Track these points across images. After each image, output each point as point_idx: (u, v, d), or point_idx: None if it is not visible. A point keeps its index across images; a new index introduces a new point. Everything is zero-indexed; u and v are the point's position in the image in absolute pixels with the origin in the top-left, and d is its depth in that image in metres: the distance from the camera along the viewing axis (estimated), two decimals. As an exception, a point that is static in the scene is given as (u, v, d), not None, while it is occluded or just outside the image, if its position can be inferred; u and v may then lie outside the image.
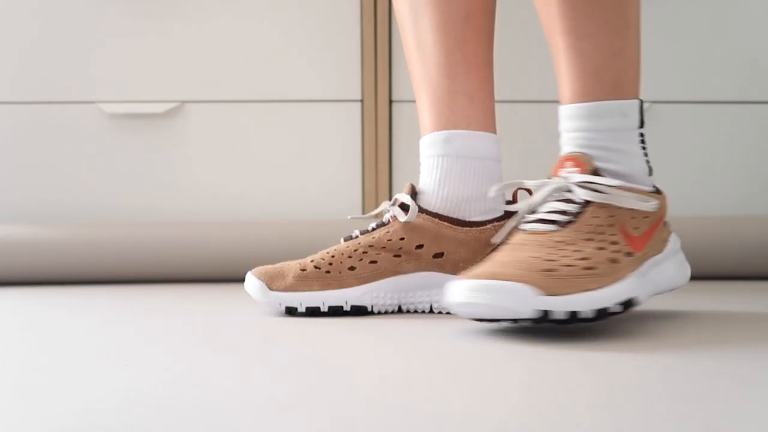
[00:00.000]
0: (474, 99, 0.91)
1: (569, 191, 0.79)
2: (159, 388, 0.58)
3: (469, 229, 0.89)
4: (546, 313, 0.70)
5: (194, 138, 1.33)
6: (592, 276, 0.72)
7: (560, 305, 0.70)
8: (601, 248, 0.75)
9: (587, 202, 0.78)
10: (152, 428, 0.49)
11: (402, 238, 0.88)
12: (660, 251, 0.83)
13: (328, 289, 0.87)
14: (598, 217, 0.77)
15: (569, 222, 0.77)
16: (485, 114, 0.92)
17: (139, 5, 1.32)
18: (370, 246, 0.88)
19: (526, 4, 1.34)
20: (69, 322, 0.88)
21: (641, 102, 0.83)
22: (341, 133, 1.34)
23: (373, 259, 0.88)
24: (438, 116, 0.91)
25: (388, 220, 0.90)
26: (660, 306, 0.93)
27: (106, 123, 1.33)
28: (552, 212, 0.78)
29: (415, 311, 0.89)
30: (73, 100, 1.32)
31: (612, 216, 0.78)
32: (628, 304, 0.75)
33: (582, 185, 0.78)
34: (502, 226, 0.88)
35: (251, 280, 0.88)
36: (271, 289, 0.87)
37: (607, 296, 0.73)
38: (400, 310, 0.89)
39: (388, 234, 0.88)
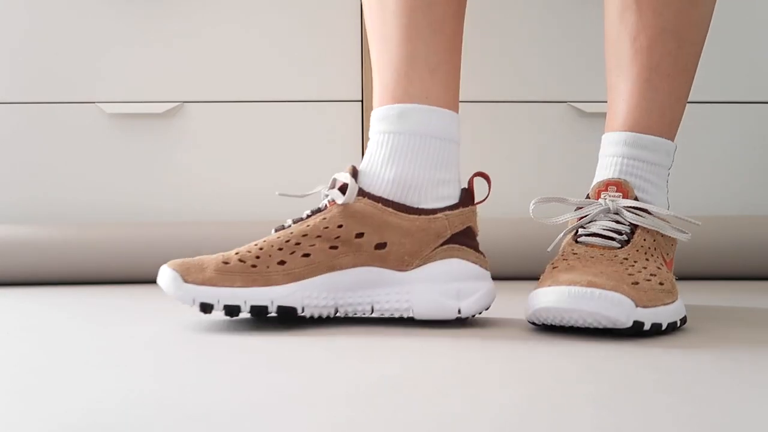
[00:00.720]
0: (435, 71, 0.82)
1: (617, 213, 0.83)
2: (159, 388, 0.58)
3: (416, 217, 0.80)
4: (639, 323, 0.73)
5: (194, 138, 1.33)
6: (664, 291, 0.77)
7: (650, 317, 0.74)
8: (659, 267, 0.80)
9: (634, 226, 0.82)
10: (152, 428, 0.49)
11: (340, 226, 0.78)
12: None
13: (253, 285, 0.76)
14: (645, 240, 0.82)
15: (626, 241, 0.81)
16: (447, 89, 0.83)
17: (140, 5, 1.32)
18: (303, 236, 0.78)
19: (515, 6, 1.34)
20: (69, 322, 0.88)
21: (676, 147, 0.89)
22: (341, 133, 1.34)
23: (306, 252, 0.77)
24: (394, 86, 0.82)
25: (325, 206, 0.80)
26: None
27: (106, 123, 1.33)
28: (607, 230, 0.82)
29: (354, 314, 0.80)
30: (73, 100, 1.32)
31: (654, 240, 0.82)
32: (684, 320, 0.79)
33: (629, 210, 0.82)
34: (455, 215, 0.81)
35: (166, 272, 0.77)
36: (185, 281, 0.75)
37: (676, 311, 0.78)
38: (336, 314, 0.80)
39: (325, 221, 0.78)
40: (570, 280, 0.74)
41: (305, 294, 0.77)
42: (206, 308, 0.76)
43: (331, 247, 0.78)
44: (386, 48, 0.83)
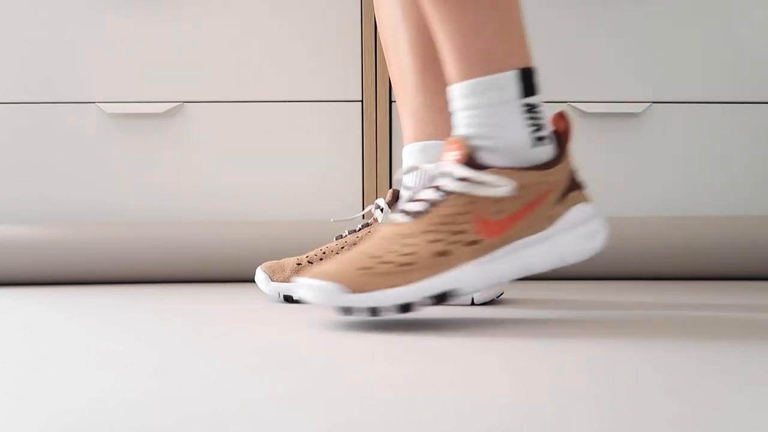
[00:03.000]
0: (443, 112, 0.97)
1: (433, 180, 0.83)
2: (159, 388, 0.58)
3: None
4: (350, 309, 0.78)
5: (194, 138, 1.33)
6: (405, 272, 0.78)
7: (361, 302, 0.77)
8: (435, 240, 0.79)
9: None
10: (152, 428, 0.49)
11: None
12: (542, 229, 0.83)
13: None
14: (454, 206, 0.80)
15: (425, 212, 0.80)
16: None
17: (140, 6, 1.32)
18: (354, 244, 0.98)
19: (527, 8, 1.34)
20: (69, 322, 0.88)
21: (521, 71, 0.81)
22: (341, 133, 1.34)
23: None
24: (413, 128, 0.99)
25: (371, 222, 1.01)
26: (660, 306, 0.93)
27: (106, 123, 1.33)
28: (417, 201, 0.82)
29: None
30: (73, 100, 1.32)
31: (470, 203, 0.80)
32: (442, 296, 0.79)
33: (446, 174, 0.81)
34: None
35: (259, 273, 1.02)
36: (272, 280, 1.00)
37: (414, 291, 0.78)
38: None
39: (370, 234, 0.96)
40: (310, 272, 0.80)
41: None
42: (288, 299, 1.00)
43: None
44: (405, 99, 1.01)
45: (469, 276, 0.79)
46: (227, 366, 0.66)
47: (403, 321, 0.85)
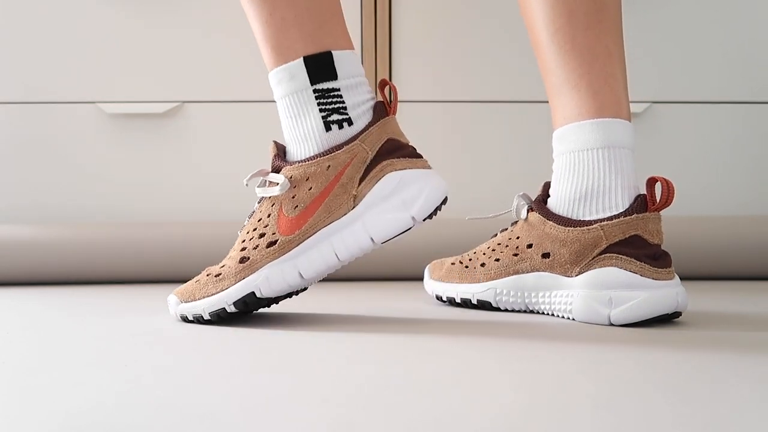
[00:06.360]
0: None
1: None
2: (159, 388, 0.58)
3: (572, 228, 0.85)
4: (185, 317, 0.82)
5: (194, 138, 1.33)
6: (217, 281, 0.81)
7: (188, 311, 0.82)
8: (242, 248, 0.81)
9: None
10: (152, 428, 0.49)
11: (518, 237, 0.89)
12: (344, 213, 0.80)
13: (466, 281, 0.92)
14: (262, 210, 0.82)
15: (245, 223, 0.84)
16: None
17: (140, 5, 1.32)
18: (498, 244, 0.91)
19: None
20: (69, 322, 0.88)
21: (309, 58, 0.80)
22: (341, 133, 1.33)
23: (497, 257, 0.90)
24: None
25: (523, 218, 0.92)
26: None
27: (106, 123, 1.33)
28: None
29: (541, 312, 0.88)
30: (73, 100, 1.32)
31: (272, 205, 0.81)
32: (245, 302, 0.80)
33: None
34: (612, 225, 0.82)
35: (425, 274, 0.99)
36: (431, 278, 0.96)
37: (220, 299, 0.80)
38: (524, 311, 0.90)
39: (510, 233, 0.91)
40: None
41: (498, 291, 0.89)
42: (439, 298, 0.95)
43: (514, 254, 0.88)
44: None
45: (264, 279, 0.79)
46: (227, 366, 0.66)
47: (399, 320, 0.85)
